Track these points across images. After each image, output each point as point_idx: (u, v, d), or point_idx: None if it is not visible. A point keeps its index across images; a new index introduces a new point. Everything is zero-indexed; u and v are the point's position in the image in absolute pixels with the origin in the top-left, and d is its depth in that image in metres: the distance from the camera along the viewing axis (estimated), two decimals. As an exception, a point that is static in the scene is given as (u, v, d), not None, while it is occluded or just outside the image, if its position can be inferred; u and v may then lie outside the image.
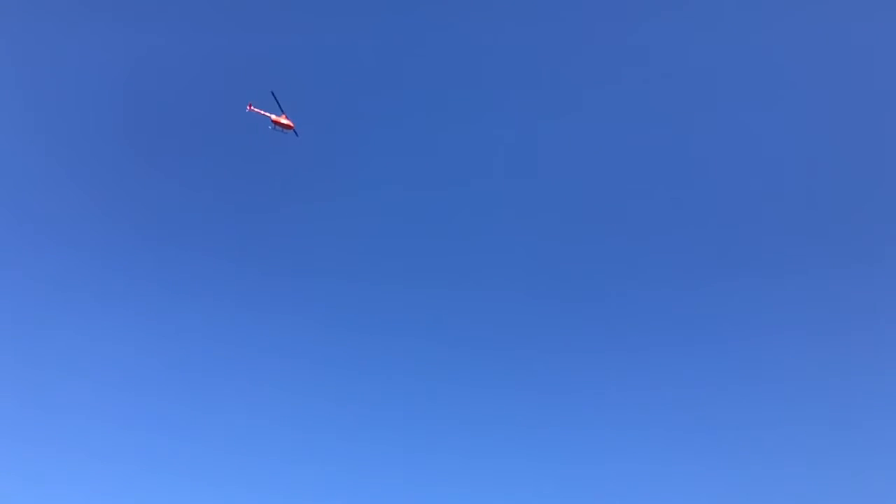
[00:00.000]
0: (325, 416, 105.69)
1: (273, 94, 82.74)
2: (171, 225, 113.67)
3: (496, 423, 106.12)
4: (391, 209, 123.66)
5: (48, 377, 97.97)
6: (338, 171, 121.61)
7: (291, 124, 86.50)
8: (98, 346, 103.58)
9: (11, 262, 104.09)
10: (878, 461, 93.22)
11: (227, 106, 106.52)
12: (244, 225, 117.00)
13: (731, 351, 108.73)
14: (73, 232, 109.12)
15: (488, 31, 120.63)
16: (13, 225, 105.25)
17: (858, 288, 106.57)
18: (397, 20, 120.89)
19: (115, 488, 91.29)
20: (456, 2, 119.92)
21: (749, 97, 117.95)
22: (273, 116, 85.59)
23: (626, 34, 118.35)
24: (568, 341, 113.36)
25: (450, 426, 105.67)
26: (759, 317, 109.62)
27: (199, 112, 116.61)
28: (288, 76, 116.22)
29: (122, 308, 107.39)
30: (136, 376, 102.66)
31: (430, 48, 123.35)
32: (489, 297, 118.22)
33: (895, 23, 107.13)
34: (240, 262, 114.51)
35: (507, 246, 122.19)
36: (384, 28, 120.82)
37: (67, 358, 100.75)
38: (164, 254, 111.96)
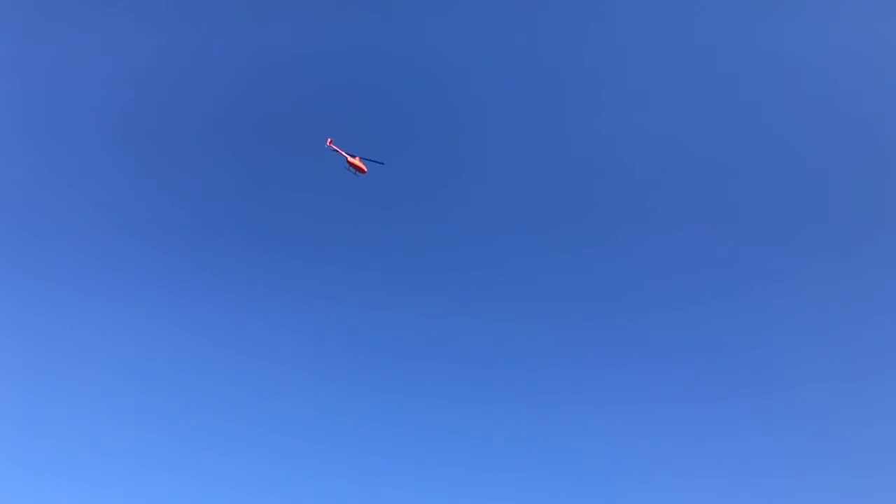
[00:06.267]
0: (341, 427, 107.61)
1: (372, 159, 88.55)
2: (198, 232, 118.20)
3: (498, 433, 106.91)
4: (397, 217, 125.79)
5: (57, 376, 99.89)
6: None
7: (364, 168, 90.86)
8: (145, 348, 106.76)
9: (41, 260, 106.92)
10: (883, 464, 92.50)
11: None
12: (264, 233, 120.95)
13: (734, 357, 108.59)
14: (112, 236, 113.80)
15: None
16: (49, 223, 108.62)
17: (861, 291, 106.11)
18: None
19: (123, 487, 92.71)
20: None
21: (750, 99, 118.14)
22: (349, 157, 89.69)
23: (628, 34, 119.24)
24: (572, 355, 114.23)
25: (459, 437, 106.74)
26: (760, 323, 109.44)
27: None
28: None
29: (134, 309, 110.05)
30: (163, 379, 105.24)
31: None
32: (495, 308, 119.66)
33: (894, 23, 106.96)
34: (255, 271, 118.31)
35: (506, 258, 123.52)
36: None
37: (77, 357, 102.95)
38: (178, 260, 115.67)
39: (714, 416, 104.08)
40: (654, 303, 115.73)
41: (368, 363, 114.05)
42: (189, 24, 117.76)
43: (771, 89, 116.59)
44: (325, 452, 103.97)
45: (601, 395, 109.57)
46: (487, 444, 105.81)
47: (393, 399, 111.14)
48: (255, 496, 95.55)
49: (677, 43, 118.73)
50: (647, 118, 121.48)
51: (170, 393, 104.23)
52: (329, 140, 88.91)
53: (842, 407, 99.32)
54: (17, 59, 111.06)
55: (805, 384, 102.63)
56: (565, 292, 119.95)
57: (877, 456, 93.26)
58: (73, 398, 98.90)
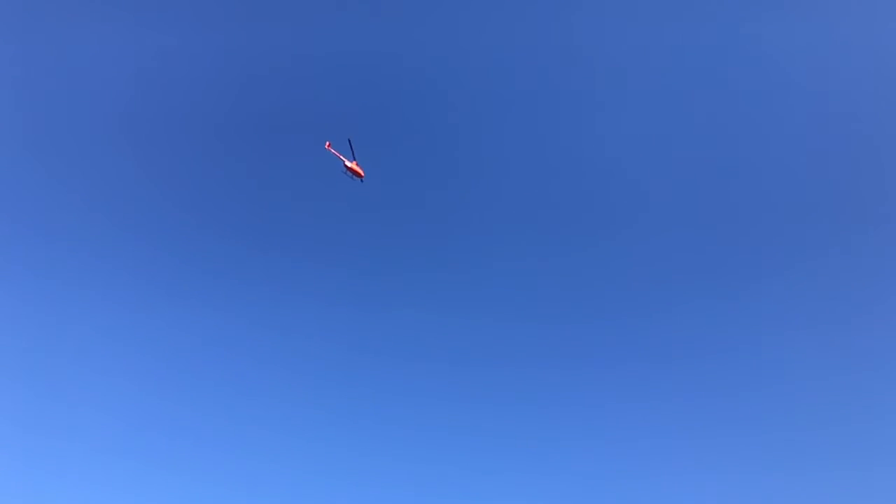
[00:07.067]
0: (341, 427, 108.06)
1: (350, 141, 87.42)
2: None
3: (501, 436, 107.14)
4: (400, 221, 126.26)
5: (57, 376, 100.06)
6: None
7: (361, 172, 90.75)
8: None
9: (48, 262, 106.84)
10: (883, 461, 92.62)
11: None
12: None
13: (732, 357, 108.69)
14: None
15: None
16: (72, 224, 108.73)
17: (857, 290, 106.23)
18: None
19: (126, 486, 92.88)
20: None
21: (748, 98, 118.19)
22: (346, 162, 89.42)
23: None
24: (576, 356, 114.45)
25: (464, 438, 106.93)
26: (757, 322, 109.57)
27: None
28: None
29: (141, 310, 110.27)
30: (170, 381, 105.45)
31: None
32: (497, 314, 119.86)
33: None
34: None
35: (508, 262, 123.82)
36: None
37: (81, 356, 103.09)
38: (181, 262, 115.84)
39: (712, 415, 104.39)
40: (653, 302, 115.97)
41: (368, 363, 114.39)
42: (189, 24, 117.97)
43: (769, 89, 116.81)
44: (325, 452, 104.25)
45: (600, 394, 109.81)
46: (487, 443, 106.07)
47: (393, 399, 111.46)
48: (255, 496, 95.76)
49: (674, 43, 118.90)
50: (644, 118, 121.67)
51: (169, 393, 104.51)
52: (327, 143, 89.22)
53: (839, 406, 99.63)
54: (17, 58, 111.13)
55: (801, 383, 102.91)
56: (563, 292, 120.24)
57: (874, 454, 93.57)
58: (74, 398, 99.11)
